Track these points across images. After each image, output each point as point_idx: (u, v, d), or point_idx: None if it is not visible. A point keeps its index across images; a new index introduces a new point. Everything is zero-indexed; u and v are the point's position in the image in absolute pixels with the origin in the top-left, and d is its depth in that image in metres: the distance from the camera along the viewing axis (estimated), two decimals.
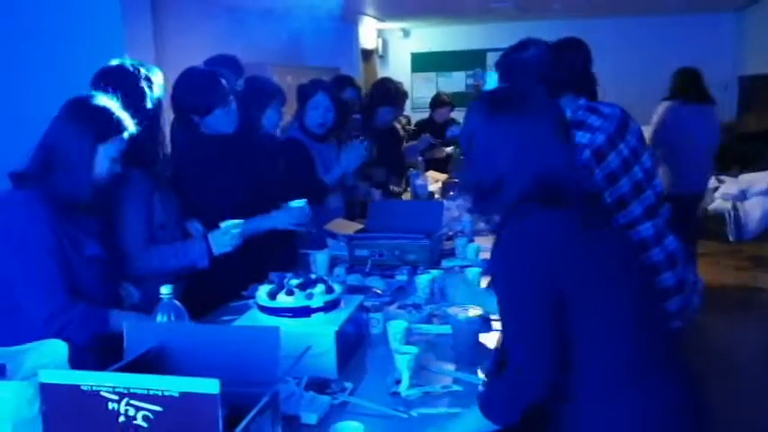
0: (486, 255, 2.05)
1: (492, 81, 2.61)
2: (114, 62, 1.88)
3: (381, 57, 8.89)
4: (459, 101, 5.33)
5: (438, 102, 5.08)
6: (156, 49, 3.93)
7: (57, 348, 1.23)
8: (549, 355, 1.16)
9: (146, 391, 0.98)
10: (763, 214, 5.67)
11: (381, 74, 8.32)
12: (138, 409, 0.98)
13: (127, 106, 1.66)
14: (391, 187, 3.72)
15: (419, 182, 3.75)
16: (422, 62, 8.96)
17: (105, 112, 1.60)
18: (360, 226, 2.66)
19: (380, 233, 2.47)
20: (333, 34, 6.62)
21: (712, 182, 6.09)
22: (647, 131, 3.81)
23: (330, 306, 1.62)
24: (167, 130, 2.13)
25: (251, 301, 1.83)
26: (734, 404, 3.04)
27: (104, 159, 1.59)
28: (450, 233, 2.78)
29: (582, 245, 1.19)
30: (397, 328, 1.66)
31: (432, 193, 3.81)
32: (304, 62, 6.35)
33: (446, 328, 1.75)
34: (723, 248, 5.60)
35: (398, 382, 1.48)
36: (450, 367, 1.59)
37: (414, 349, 1.52)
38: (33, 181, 1.55)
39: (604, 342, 1.19)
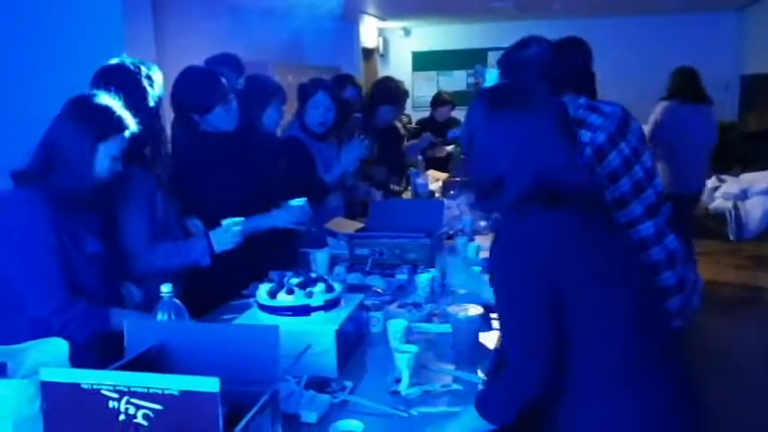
0: (487, 254, 2.04)
1: (491, 78, 2.59)
2: (114, 61, 1.88)
3: (382, 56, 8.89)
4: (459, 100, 5.33)
5: (439, 100, 5.08)
6: (157, 48, 3.93)
7: (57, 347, 1.23)
8: (546, 355, 1.16)
9: (146, 390, 0.98)
10: (763, 214, 5.67)
11: (382, 73, 8.32)
12: (138, 407, 0.99)
13: (129, 105, 1.67)
14: (392, 186, 3.72)
15: (420, 181, 3.75)
16: (423, 61, 8.96)
17: (106, 110, 1.60)
18: (360, 225, 2.67)
19: (381, 232, 2.47)
20: (334, 33, 6.62)
21: (713, 181, 6.09)
22: (646, 131, 3.82)
23: (330, 305, 1.62)
24: (168, 128, 2.13)
25: (251, 300, 1.83)
26: (734, 403, 3.04)
27: (105, 158, 1.60)
28: (451, 232, 2.78)
29: (581, 245, 1.18)
30: (397, 326, 1.66)
31: (432, 192, 3.81)
32: (305, 61, 6.35)
33: (446, 327, 1.75)
34: (724, 247, 5.59)
35: (398, 380, 1.48)
36: (450, 366, 1.59)
37: (413, 348, 1.52)
38: (34, 180, 1.55)
39: (602, 341, 1.18)
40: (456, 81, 8.70)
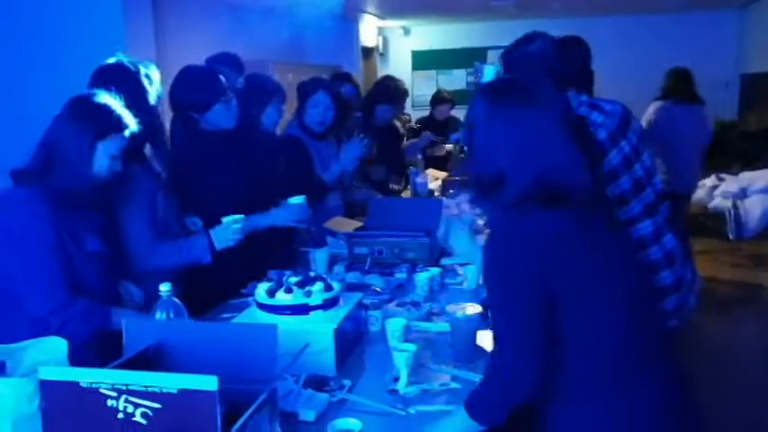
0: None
1: (489, 73, 2.56)
2: (112, 60, 1.88)
3: (382, 54, 8.89)
4: (459, 98, 5.33)
5: (439, 99, 5.08)
6: (158, 47, 3.93)
7: (56, 345, 1.23)
8: (538, 356, 1.15)
9: (144, 388, 0.98)
10: (763, 212, 5.67)
11: (382, 72, 8.32)
12: (136, 405, 0.99)
13: (129, 104, 1.67)
14: (391, 185, 3.72)
15: (419, 180, 3.75)
16: (422, 60, 8.95)
17: (105, 109, 1.61)
18: (359, 224, 2.67)
19: (380, 231, 2.47)
20: (333, 32, 6.62)
21: (712, 180, 6.10)
22: None
23: (329, 304, 1.63)
24: (167, 127, 2.13)
25: (250, 299, 1.84)
26: (733, 402, 3.04)
27: (104, 157, 1.60)
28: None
29: (577, 247, 1.17)
30: (395, 325, 1.66)
31: (432, 191, 3.81)
32: (305, 60, 6.35)
33: (445, 326, 1.76)
34: (723, 246, 5.60)
35: (397, 379, 1.48)
36: (449, 365, 1.60)
37: (412, 347, 1.52)
38: (34, 178, 1.56)
39: (594, 342, 1.18)
40: (456, 80, 8.69)
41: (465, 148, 1.35)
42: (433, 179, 4.03)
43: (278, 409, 1.16)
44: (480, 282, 2.11)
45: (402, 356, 1.48)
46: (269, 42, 5.28)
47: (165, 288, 1.43)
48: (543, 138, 1.18)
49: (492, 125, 1.21)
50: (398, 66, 8.78)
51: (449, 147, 4.69)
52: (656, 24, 7.98)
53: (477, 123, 1.24)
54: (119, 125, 1.61)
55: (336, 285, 1.69)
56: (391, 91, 3.66)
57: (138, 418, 0.99)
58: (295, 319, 1.58)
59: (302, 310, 1.60)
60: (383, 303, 1.93)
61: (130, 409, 0.99)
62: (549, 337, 1.16)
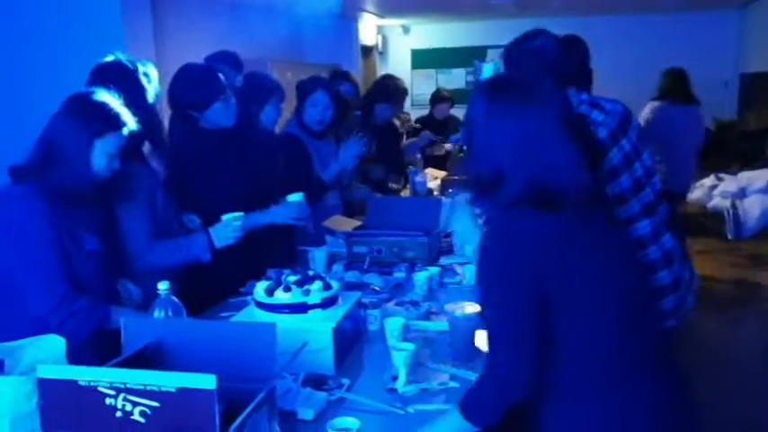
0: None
1: (488, 71, 2.55)
2: (109, 58, 1.88)
3: (381, 53, 8.88)
4: (459, 97, 5.33)
5: (438, 98, 5.08)
6: (156, 45, 3.93)
7: (55, 343, 1.23)
8: (531, 355, 1.15)
9: (143, 387, 0.98)
10: (761, 212, 5.67)
11: (381, 70, 8.32)
12: (135, 404, 0.99)
13: (128, 102, 1.67)
14: (390, 184, 3.72)
15: (418, 179, 3.75)
16: (422, 59, 8.95)
17: (102, 107, 1.60)
18: (358, 223, 2.67)
19: (379, 230, 2.47)
20: (333, 31, 6.63)
21: (711, 179, 6.10)
22: None
23: (327, 303, 1.62)
24: (165, 125, 2.13)
25: (249, 298, 1.84)
26: (732, 401, 3.05)
27: (101, 155, 1.59)
28: (449, 230, 2.78)
29: (573, 248, 1.16)
30: (394, 324, 1.66)
31: (431, 191, 3.81)
32: (304, 59, 6.35)
33: (443, 325, 1.76)
34: (722, 246, 5.61)
35: (395, 378, 1.48)
36: (447, 364, 1.60)
37: (410, 346, 1.52)
38: (32, 175, 1.56)
39: (589, 342, 1.17)
40: (455, 79, 8.69)
41: (464, 148, 1.33)
42: (432, 178, 4.03)
43: (276, 408, 1.16)
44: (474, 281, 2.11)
45: (401, 355, 1.48)
46: (268, 41, 5.28)
47: (163, 287, 1.43)
48: (541, 138, 1.17)
49: (490, 124, 1.20)
50: (398, 64, 8.78)
51: (448, 146, 4.69)
52: (656, 24, 7.98)
53: (475, 122, 1.24)
54: (116, 123, 1.61)
55: (335, 284, 1.69)
56: (390, 90, 3.66)
57: (136, 417, 0.99)
58: (294, 318, 1.58)
59: (301, 308, 1.60)
60: (382, 302, 1.93)
61: (129, 407, 0.99)
62: (542, 336, 1.15)
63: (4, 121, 3.38)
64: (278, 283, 1.66)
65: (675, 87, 4.23)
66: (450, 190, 3.55)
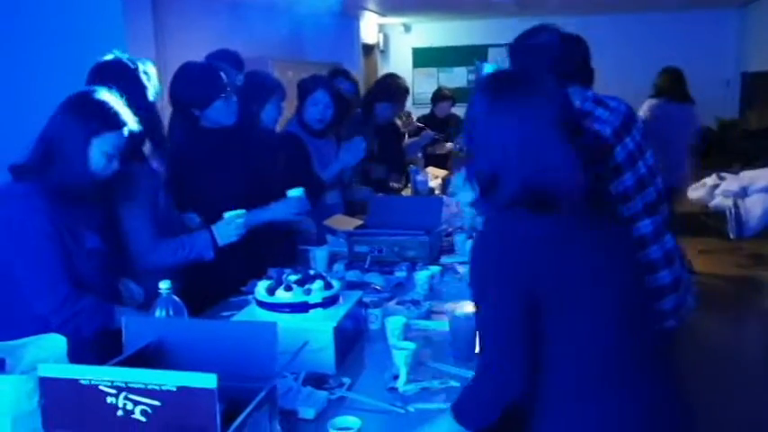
0: None
1: (488, 72, 2.53)
2: (109, 57, 1.88)
3: (382, 52, 8.88)
4: (460, 96, 5.33)
5: (439, 96, 5.08)
6: (157, 44, 3.93)
7: (56, 342, 1.23)
8: (524, 357, 1.14)
9: (143, 386, 0.99)
10: (763, 211, 5.65)
11: (382, 69, 8.32)
12: (136, 403, 0.99)
13: (129, 101, 1.66)
14: (391, 183, 3.72)
15: (419, 178, 3.75)
16: (423, 57, 8.94)
17: (102, 106, 1.60)
18: (359, 222, 2.67)
19: (380, 229, 2.47)
20: (334, 29, 6.62)
21: (713, 179, 6.09)
22: None
23: (328, 302, 1.63)
24: (166, 124, 2.13)
25: (250, 297, 1.84)
26: (733, 401, 3.05)
27: (98, 154, 1.58)
28: (450, 229, 2.78)
29: (567, 250, 1.15)
30: (395, 324, 1.66)
31: (432, 190, 3.81)
32: (305, 57, 6.35)
33: (444, 325, 1.76)
34: (724, 245, 5.59)
35: (396, 377, 1.48)
36: (448, 363, 1.59)
37: (411, 345, 1.52)
38: (33, 173, 1.56)
39: (584, 343, 1.16)
40: (456, 77, 8.69)
41: (464, 147, 1.32)
42: (434, 177, 4.04)
43: (277, 407, 1.16)
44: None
45: (401, 354, 1.48)
46: (269, 39, 5.27)
47: (164, 286, 1.43)
48: (538, 140, 1.16)
49: (490, 122, 1.20)
50: (399, 63, 8.77)
51: (449, 145, 4.69)
52: (657, 23, 7.97)
53: (475, 120, 1.23)
54: (115, 123, 1.60)
55: (336, 283, 1.69)
56: (392, 89, 3.65)
57: (137, 416, 0.99)
58: (294, 317, 1.58)
59: (302, 308, 1.60)
60: (383, 301, 1.93)
61: (130, 406, 0.99)
62: (534, 337, 1.14)
63: (5, 119, 3.39)
64: (279, 283, 1.66)
65: (672, 86, 4.28)
66: (451, 189, 3.56)
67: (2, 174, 1.59)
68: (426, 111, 5.28)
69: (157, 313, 1.42)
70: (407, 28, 8.94)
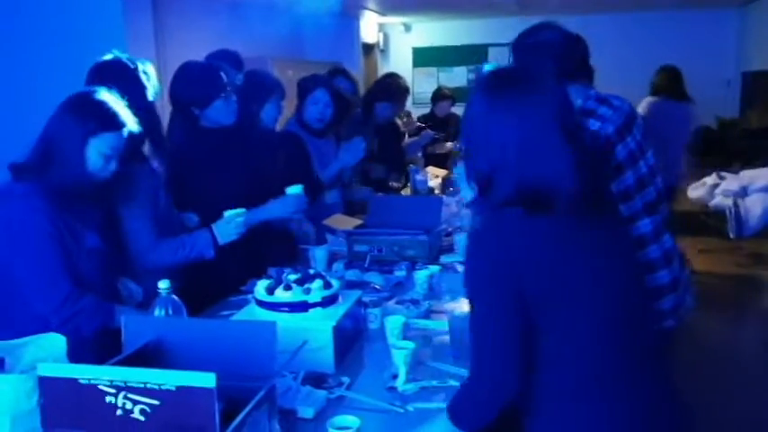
0: None
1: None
2: (108, 57, 1.88)
3: (383, 51, 8.88)
4: (460, 95, 5.33)
5: (439, 96, 5.08)
6: (157, 44, 3.94)
7: (55, 342, 1.24)
8: (517, 358, 1.13)
9: (143, 385, 0.99)
10: (763, 211, 5.62)
11: (382, 68, 8.32)
12: (135, 402, 0.99)
13: (129, 101, 1.66)
14: (391, 183, 3.72)
15: (419, 177, 3.76)
16: (423, 57, 8.94)
17: (100, 106, 1.59)
18: (359, 221, 2.67)
19: (379, 229, 2.48)
20: (334, 28, 6.62)
21: (713, 178, 6.09)
22: None
23: (328, 301, 1.63)
24: (166, 124, 2.13)
25: (249, 296, 1.84)
26: (733, 400, 3.05)
27: (96, 154, 1.58)
28: (449, 229, 2.78)
29: (564, 251, 1.15)
30: (394, 323, 1.67)
31: (432, 189, 3.82)
32: (305, 56, 6.35)
33: (444, 324, 1.76)
34: (723, 245, 5.59)
35: (395, 376, 1.49)
36: (447, 363, 1.59)
37: (410, 344, 1.52)
38: (32, 173, 1.56)
39: (582, 344, 1.16)
40: (456, 77, 8.69)
41: (462, 145, 1.31)
42: (433, 177, 4.04)
43: (276, 406, 1.16)
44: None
45: (401, 354, 1.48)
46: (269, 39, 5.28)
47: (163, 285, 1.44)
48: (537, 139, 1.15)
49: (488, 120, 1.19)
50: (399, 62, 8.77)
51: (449, 144, 4.69)
52: (657, 22, 7.97)
53: (474, 118, 1.22)
54: (113, 123, 1.60)
55: (335, 283, 1.69)
56: (392, 89, 3.65)
57: (136, 415, 0.99)
58: (294, 317, 1.59)
59: (301, 307, 1.60)
60: (382, 301, 1.93)
61: (129, 405, 0.99)
62: (529, 337, 1.14)
63: (5, 119, 3.39)
64: (278, 282, 1.66)
65: (669, 84, 4.29)
66: (451, 188, 3.56)
67: (2, 173, 1.59)
68: (426, 110, 5.27)
69: (157, 312, 1.42)
70: (407, 27, 8.94)
